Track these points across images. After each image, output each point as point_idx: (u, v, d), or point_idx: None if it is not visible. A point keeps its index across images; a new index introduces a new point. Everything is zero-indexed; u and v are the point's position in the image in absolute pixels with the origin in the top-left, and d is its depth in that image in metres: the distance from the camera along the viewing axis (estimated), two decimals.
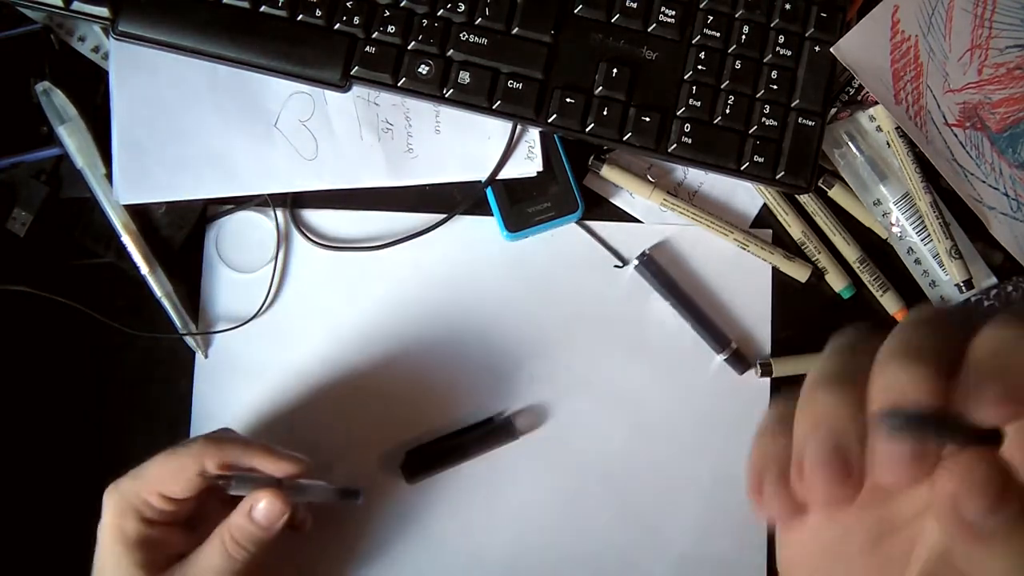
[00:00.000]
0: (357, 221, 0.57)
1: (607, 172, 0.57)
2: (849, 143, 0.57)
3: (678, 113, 0.54)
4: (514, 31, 0.53)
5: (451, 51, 0.53)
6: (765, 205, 0.58)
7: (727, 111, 0.53)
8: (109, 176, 0.55)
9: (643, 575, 0.56)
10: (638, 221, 0.58)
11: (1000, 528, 0.21)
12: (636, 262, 0.57)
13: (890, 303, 0.58)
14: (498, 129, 0.56)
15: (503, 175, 0.56)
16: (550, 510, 0.56)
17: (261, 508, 0.46)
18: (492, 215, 0.56)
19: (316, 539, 0.56)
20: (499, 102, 0.53)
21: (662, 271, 0.57)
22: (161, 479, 0.46)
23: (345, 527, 0.56)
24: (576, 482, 0.57)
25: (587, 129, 0.53)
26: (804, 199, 0.58)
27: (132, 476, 0.46)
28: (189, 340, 0.56)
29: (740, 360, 0.57)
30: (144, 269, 0.55)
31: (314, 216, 0.57)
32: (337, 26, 0.53)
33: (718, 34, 0.54)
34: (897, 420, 0.22)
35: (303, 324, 0.57)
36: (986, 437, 0.22)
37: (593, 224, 0.58)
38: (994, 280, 0.57)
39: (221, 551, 0.46)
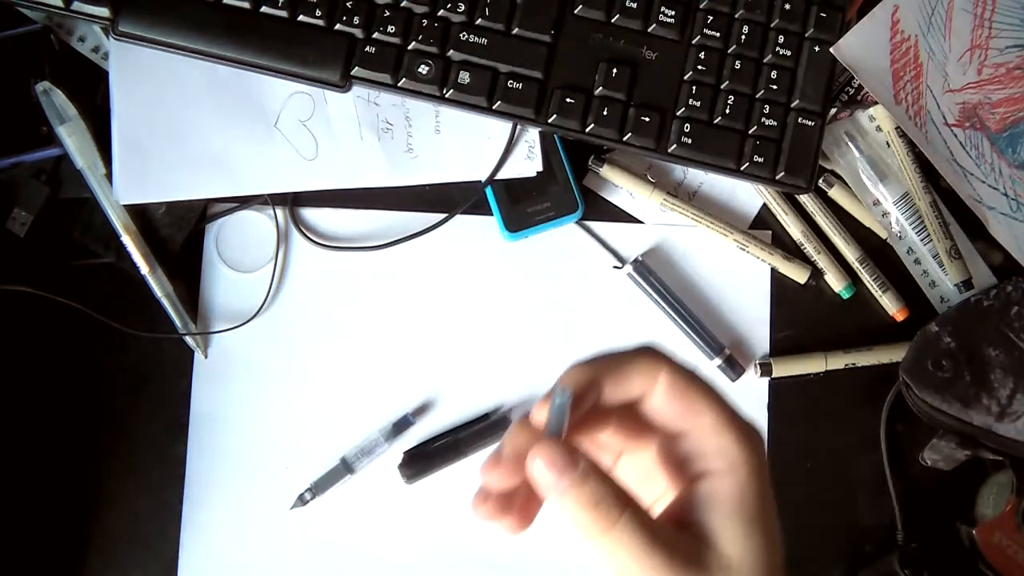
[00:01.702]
0: (357, 221, 0.57)
1: (607, 172, 0.57)
2: (849, 143, 0.57)
3: (678, 113, 0.54)
4: (514, 31, 0.53)
5: (451, 51, 0.53)
6: (765, 205, 0.58)
7: (727, 111, 0.53)
8: (109, 176, 0.55)
9: None
10: (638, 221, 0.58)
11: (566, 488, 0.30)
12: (630, 268, 0.57)
13: (890, 303, 0.58)
14: (498, 129, 0.56)
15: (503, 175, 0.56)
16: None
17: None
18: (492, 215, 0.56)
19: (314, 540, 0.56)
20: (499, 102, 0.53)
21: (656, 277, 0.57)
22: None
23: (344, 528, 0.56)
24: None
25: (587, 129, 0.53)
26: (804, 199, 0.58)
27: None
28: (189, 340, 0.56)
29: (733, 366, 0.57)
30: (144, 269, 0.55)
31: (314, 216, 0.57)
32: (337, 26, 0.53)
33: (718, 34, 0.54)
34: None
35: (303, 324, 0.57)
36: None
37: (593, 224, 0.58)
38: (994, 280, 0.58)
39: None
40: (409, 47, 0.53)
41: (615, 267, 0.58)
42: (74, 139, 0.54)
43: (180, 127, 0.55)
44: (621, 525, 0.29)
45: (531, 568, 0.56)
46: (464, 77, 0.53)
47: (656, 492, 0.34)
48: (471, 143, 0.56)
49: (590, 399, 0.32)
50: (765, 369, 0.57)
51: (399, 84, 0.53)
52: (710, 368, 0.57)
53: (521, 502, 0.32)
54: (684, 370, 0.33)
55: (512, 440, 0.32)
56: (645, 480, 0.34)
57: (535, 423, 0.32)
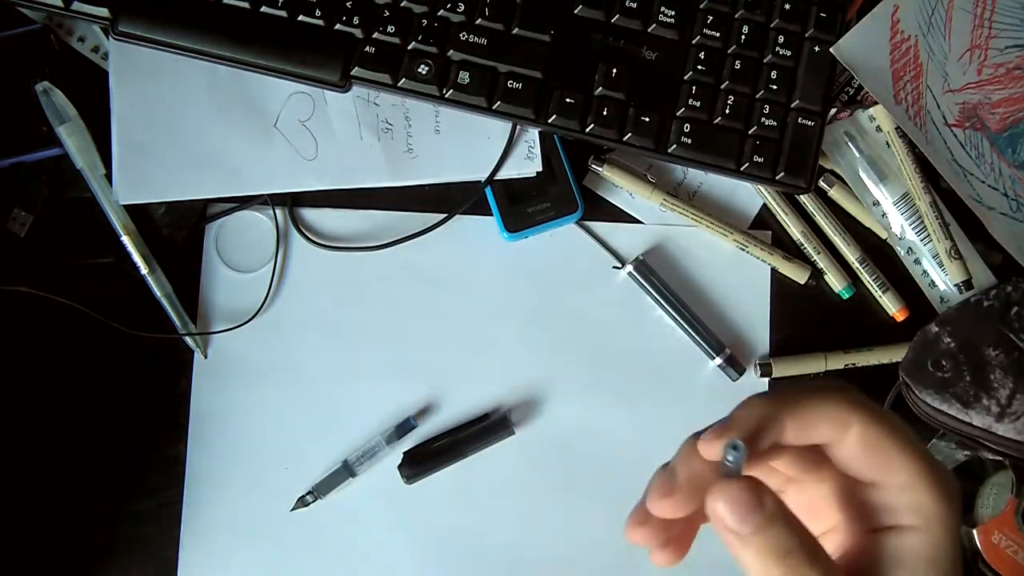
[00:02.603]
0: (357, 221, 0.57)
1: (607, 172, 0.57)
2: (849, 143, 0.57)
3: (678, 113, 0.54)
4: (514, 31, 0.53)
5: (450, 51, 0.53)
6: (765, 205, 0.58)
7: (727, 111, 0.53)
8: (109, 176, 0.55)
9: (639, 572, 0.56)
10: (638, 221, 0.58)
11: (750, 533, 0.27)
12: (631, 267, 0.57)
13: (890, 303, 0.58)
14: (498, 129, 0.56)
15: (503, 175, 0.56)
16: (547, 507, 0.56)
17: None
18: (492, 215, 0.56)
19: (314, 540, 0.56)
20: (499, 102, 0.53)
21: (656, 277, 0.57)
22: None
23: (343, 527, 0.56)
24: (573, 478, 0.57)
25: (587, 129, 0.53)
26: (804, 199, 0.58)
27: None
28: (189, 340, 0.56)
29: (735, 365, 0.57)
30: (144, 269, 0.55)
31: (314, 216, 0.57)
32: (337, 26, 0.53)
33: (718, 34, 0.54)
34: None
35: (302, 324, 0.57)
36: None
37: (593, 224, 0.58)
38: (994, 280, 0.58)
39: None
40: (409, 47, 0.53)
41: (615, 267, 0.58)
42: (74, 139, 0.54)
43: (180, 127, 0.55)
44: None
45: (531, 568, 0.56)
46: (464, 77, 0.53)
47: (823, 527, 0.32)
48: (471, 143, 0.56)
49: (768, 440, 0.29)
50: (765, 369, 0.57)
51: (399, 84, 0.53)
52: (710, 368, 0.57)
53: (681, 529, 0.30)
54: (880, 418, 0.30)
55: (687, 468, 0.29)
56: (814, 512, 0.32)
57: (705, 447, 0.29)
